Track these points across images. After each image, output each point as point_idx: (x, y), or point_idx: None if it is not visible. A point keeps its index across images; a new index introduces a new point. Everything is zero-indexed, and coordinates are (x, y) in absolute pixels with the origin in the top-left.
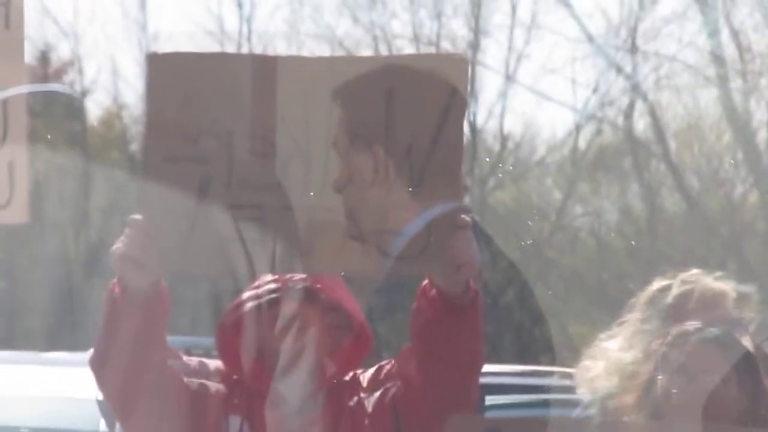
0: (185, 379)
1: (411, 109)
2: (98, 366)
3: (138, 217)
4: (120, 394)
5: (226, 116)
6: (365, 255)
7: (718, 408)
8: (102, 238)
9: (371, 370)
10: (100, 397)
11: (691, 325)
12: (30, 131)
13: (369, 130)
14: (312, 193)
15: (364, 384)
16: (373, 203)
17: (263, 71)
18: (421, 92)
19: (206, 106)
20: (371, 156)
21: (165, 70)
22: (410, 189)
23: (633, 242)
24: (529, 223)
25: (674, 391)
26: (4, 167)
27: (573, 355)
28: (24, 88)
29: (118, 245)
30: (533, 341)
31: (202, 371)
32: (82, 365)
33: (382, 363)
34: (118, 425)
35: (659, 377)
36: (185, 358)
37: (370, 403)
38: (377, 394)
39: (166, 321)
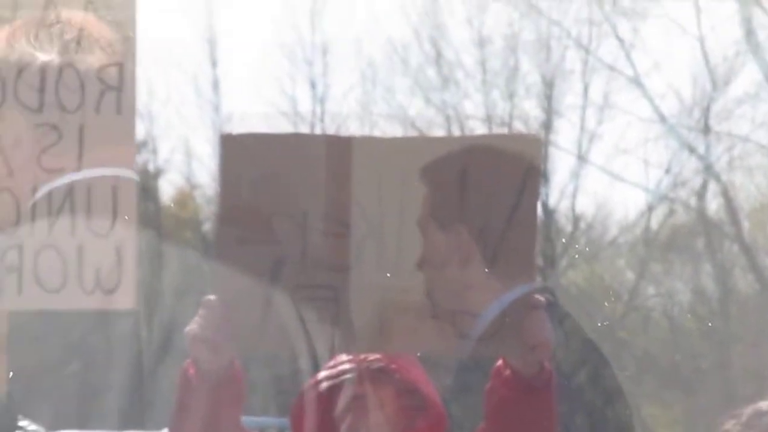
0: None
1: (485, 188)
2: None
3: (212, 297)
4: None
5: (300, 197)
6: (441, 335)
7: None
8: (175, 319)
9: None
10: None
11: (766, 404)
12: (139, 216)
13: (449, 209)
14: (388, 274)
15: None
16: (451, 283)
17: (338, 151)
18: (496, 172)
19: (280, 187)
20: (452, 236)
21: (238, 151)
22: (485, 269)
23: (709, 323)
24: (606, 303)
25: None
26: (112, 251)
27: None
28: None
29: (192, 326)
30: (605, 422)
31: None
32: None
33: None
34: None
35: None
36: None
37: None
38: None
39: (241, 401)
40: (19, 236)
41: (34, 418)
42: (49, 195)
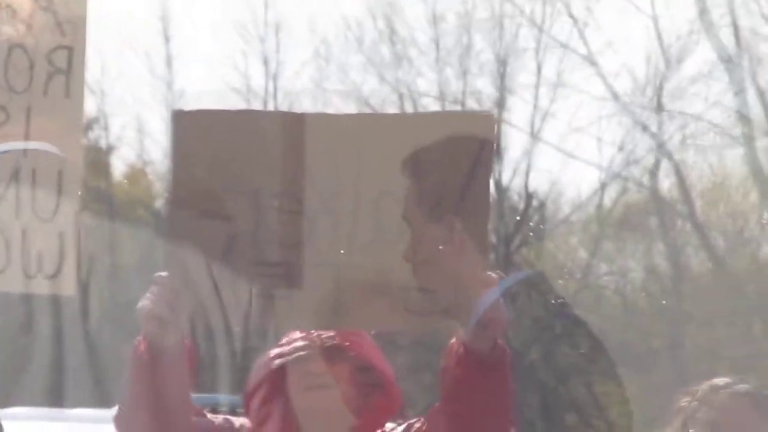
0: None
1: (438, 166)
2: (123, 424)
3: (164, 274)
4: None
5: (254, 173)
6: (392, 311)
7: None
8: (128, 295)
9: (400, 429)
10: None
11: (721, 380)
12: (81, 203)
13: (437, 199)
14: (342, 251)
15: None
16: (442, 272)
17: (292, 128)
18: (448, 150)
19: (233, 164)
20: (442, 225)
21: (191, 128)
22: (439, 246)
23: (662, 302)
24: (559, 281)
25: None
26: (54, 237)
27: (598, 413)
28: (37, 145)
29: (144, 302)
30: (558, 400)
31: (227, 428)
32: (108, 422)
33: (412, 421)
34: None
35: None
36: (210, 415)
37: None
38: None
39: (192, 378)
40: None
41: None
42: None
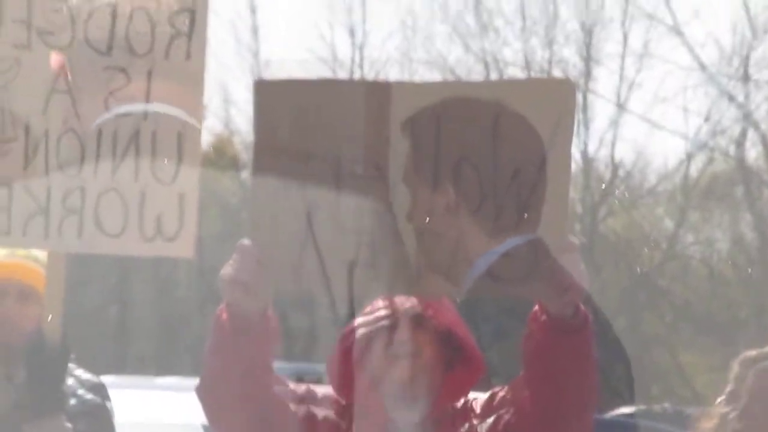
0: (292, 406)
1: (517, 135)
2: (204, 393)
3: (246, 242)
4: (225, 421)
5: (337, 142)
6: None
7: None
8: (214, 264)
9: (484, 397)
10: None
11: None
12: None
13: (433, 163)
14: (426, 218)
15: (477, 410)
16: (445, 235)
17: (376, 97)
18: (527, 118)
19: (315, 132)
20: (441, 192)
21: (273, 98)
22: (516, 216)
23: (749, 270)
24: (645, 251)
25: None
26: (174, 200)
27: (683, 383)
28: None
29: (226, 270)
30: (644, 370)
31: (310, 398)
32: (192, 391)
33: (495, 389)
34: None
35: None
36: (292, 385)
37: (482, 430)
38: (490, 420)
39: (274, 347)
40: (82, 178)
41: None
42: (114, 138)
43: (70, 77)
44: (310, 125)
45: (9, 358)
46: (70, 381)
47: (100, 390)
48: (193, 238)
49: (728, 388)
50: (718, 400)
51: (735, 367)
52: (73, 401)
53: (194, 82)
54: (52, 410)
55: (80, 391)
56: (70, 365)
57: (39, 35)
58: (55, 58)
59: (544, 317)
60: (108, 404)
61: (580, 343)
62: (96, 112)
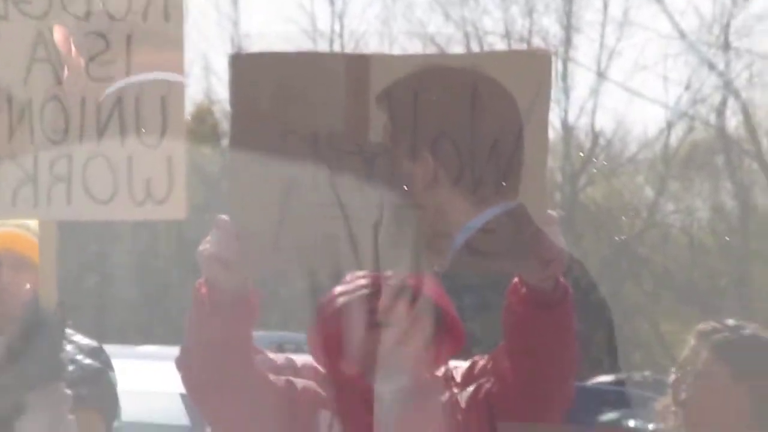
0: (272, 377)
1: (495, 106)
2: (184, 366)
3: (224, 217)
4: (205, 393)
5: (316, 115)
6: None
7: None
8: (195, 234)
9: (465, 365)
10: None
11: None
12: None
13: (411, 135)
14: (405, 188)
15: (458, 379)
16: (426, 207)
17: (355, 70)
18: (505, 89)
19: (293, 106)
20: (420, 163)
21: (250, 71)
22: (495, 186)
23: (726, 238)
24: (624, 219)
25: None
26: (163, 162)
27: (664, 351)
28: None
29: (205, 245)
30: (624, 339)
31: (289, 367)
32: (172, 359)
33: (476, 358)
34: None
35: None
36: (271, 355)
37: (463, 399)
38: (471, 389)
39: (253, 321)
40: (68, 146)
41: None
42: (98, 104)
43: (53, 46)
44: (288, 99)
45: (5, 327)
46: (68, 347)
47: (99, 355)
48: (184, 200)
49: (682, 358)
50: (673, 369)
51: (691, 340)
52: (71, 367)
53: (174, 42)
54: (52, 378)
55: (79, 356)
56: (68, 331)
57: (15, 4)
58: (59, 31)
59: (524, 290)
60: (109, 371)
61: (560, 315)
62: (78, 78)
